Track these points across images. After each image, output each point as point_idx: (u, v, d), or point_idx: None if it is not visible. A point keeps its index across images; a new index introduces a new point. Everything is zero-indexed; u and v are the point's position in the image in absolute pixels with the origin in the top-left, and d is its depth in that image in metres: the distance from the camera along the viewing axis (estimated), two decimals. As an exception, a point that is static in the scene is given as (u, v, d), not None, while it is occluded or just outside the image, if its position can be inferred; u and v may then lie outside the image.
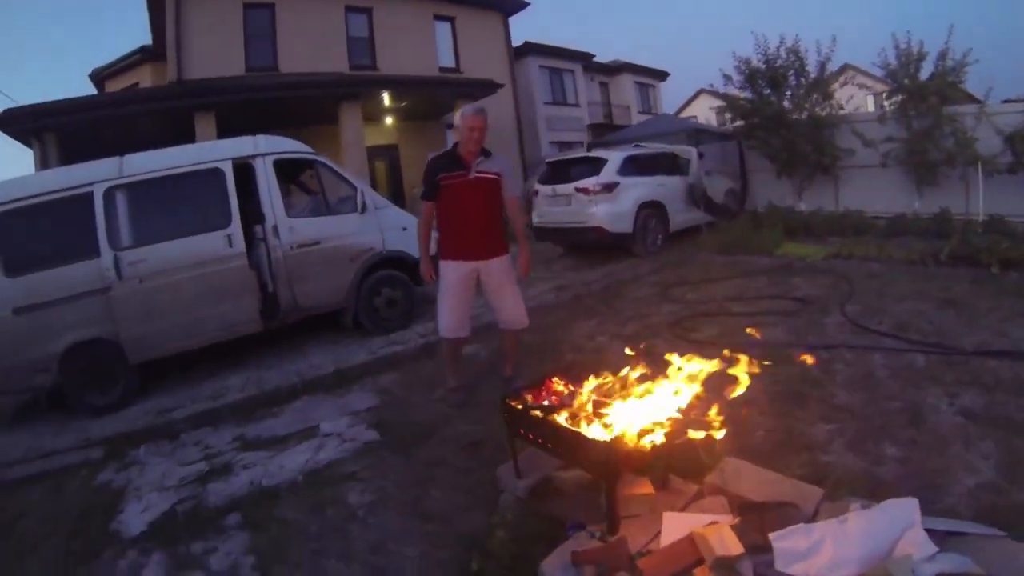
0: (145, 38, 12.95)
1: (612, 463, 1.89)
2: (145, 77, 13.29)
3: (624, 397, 2.07)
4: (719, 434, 2.00)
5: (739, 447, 2.59)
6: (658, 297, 5.81)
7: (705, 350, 3.95)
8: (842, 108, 9.22)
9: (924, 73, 8.22)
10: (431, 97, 11.65)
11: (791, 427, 2.84)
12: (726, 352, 2.32)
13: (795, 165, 9.36)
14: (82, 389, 4.58)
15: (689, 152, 9.24)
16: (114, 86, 13.87)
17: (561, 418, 2.07)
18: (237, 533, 2.61)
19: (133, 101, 9.48)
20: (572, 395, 2.18)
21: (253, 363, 5.26)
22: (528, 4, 15.95)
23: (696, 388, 2.14)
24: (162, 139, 6.03)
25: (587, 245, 8.43)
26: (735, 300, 5.35)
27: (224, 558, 2.44)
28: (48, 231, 4.60)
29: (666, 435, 1.95)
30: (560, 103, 18.78)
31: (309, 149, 5.76)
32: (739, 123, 10.04)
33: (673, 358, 2.24)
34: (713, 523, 1.80)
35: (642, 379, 2.16)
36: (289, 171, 5.91)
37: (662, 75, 25.05)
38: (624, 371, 2.23)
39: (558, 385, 2.31)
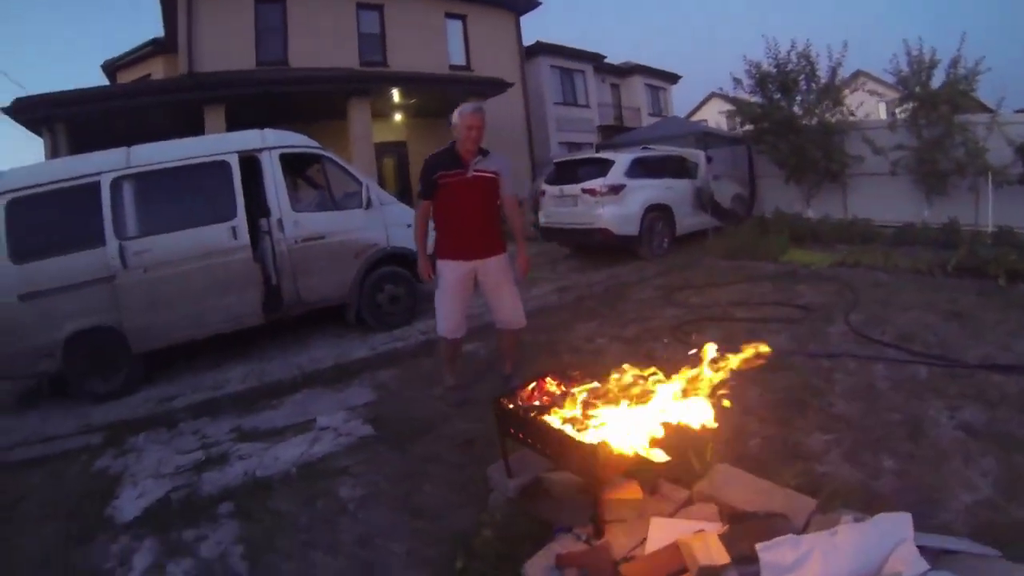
0: (157, 30, 13.03)
1: (598, 466, 1.88)
2: (157, 69, 13.37)
3: (616, 400, 2.06)
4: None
5: (734, 454, 2.58)
6: (661, 300, 5.79)
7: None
8: (853, 115, 9.13)
9: (936, 81, 8.13)
10: (441, 95, 11.65)
11: (788, 436, 2.82)
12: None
13: (804, 171, 9.28)
14: (85, 376, 4.63)
15: (697, 156, 9.20)
16: (126, 77, 13.96)
17: (550, 419, 2.06)
18: (228, 522, 2.63)
19: (143, 92, 9.55)
20: (564, 396, 2.18)
21: (256, 355, 5.29)
22: (540, 3, 15.92)
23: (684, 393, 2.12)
24: (172, 131, 6.09)
25: (593, 246, 8.42)
26: (739, 305, 5.32)
27: (214, 546, 2.46)
28: (55, 219, 4.64)
29: (654, 440, 1.93)
30: (570, 104, 18.75)
31: (316, 144, 5.78)
32: (748, 127, 9.97)
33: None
34: (700, 531, 1.78)
35: (634, 382, 2.15)
36: (295, 165, 5.94)
37: (674, 78, 24.95)
38: (616, 373, 2.22)
39: (551, 385, 2.30)
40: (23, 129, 8.72)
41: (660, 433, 1.98)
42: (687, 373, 2.18)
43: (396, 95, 10.85)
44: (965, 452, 2.51)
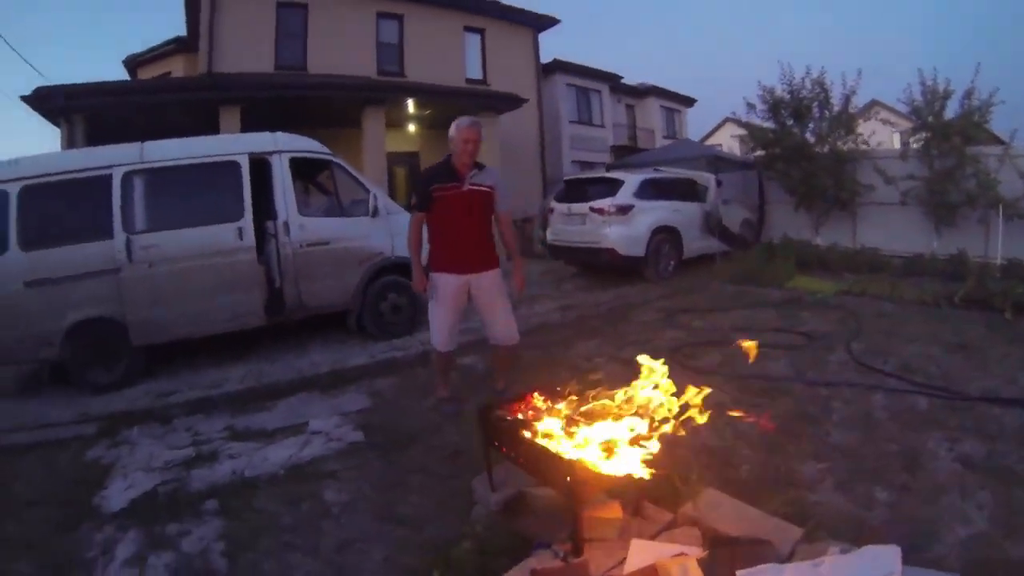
0: (180, 29, 13.28)
1: (576, 483, 1.86)
2: (177, 67, 13.58)
3: (600, 417, 2.04)
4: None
5: (723, 479, 2.55)
6: (663, 323, 5.77)
7: (700, 378, 3.95)
8: (866, 143, 9.12)
9: (950, 111, 8.12)
10: (456, 107, 11.75)
11: (780, 463, 2.78)
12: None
13: (813, 198, 9.27)
14: (85, 366, 4.68)
15: (707, 179, 9.21)
16: (147, 74, 14.19)
17: (531, 433, 2.05)
18: (213, 519, 2.63)
19: (162, 89, 9.73)
20: (549, 411, 2.16)
21: (256, 356, 5.33)
22: (559, 22, 16.09)
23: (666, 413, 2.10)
24: (188, 129, 6.16)
25: (599, 266, 8.42)
26: (741, 331, 5.27)
27: (196, 541, 2.46)
28: (65, 209, 4.72)
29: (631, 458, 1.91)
30: (585, 122, 18.85)
31: (326, 149, 5.85)
32: (760, 153, 9.98)
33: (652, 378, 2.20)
34: (680, 554, 1.75)
35: (621, 400, 2.13)
36: (305, 170, 6.00)
37: (689, 101, 25.05)
38: (600, 391, 2.20)
39: (538, 400, 2.29)
40: (41, 119, 8.87)
41: (639, 452, 1.96)
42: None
43: (411, 105, 10.96)
44: (962, 485, 2.47)
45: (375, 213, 5.54)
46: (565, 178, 10.15)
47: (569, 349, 5.02)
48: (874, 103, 13.80)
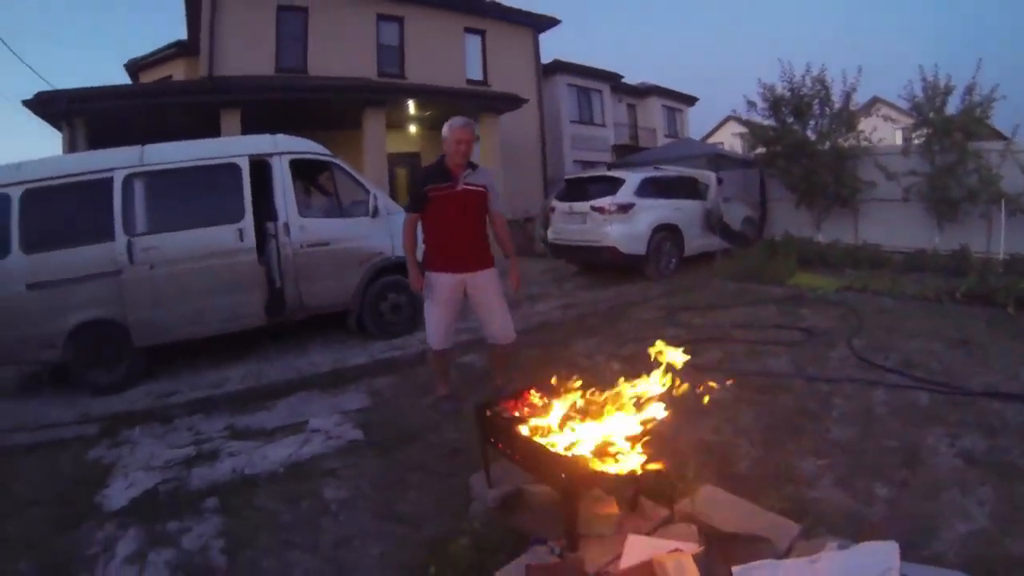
0: (181, 32, 13.35)
1: (571, 479, 1.86)
2: (178, 71, 13.63)
3: (596, 415, 2.04)
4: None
5: (722, 475, 2.56)
6: (664, 321, 5.77)
7: (700, 375, 3.94)
8: (868, 140, 9.09)
9: (951, 107, 8.09)
10: (456, 108, 11.79)
11: (780, 459, 2.78)
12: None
13: (814, 195, 9.24)
14: (87, 367, 4.70)
15: (708, 177, 9.20)
16: (148, 77, 14.23)
17: (527, 430, 2.05)
18: (212, 517, 2.64)
19: (162, 93, 9.77)
20: (545, 408, 2.16)
21: (257, 356, 5.35)
22: (559, 22, 16.11)
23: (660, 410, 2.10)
24: (189, 132, 6.19)
25: (600, 264, 8.42)
26: (741, 328, 5.28)
27: (196, 539, 2.47)
28: (67, 212, 4.74)
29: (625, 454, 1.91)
30: (586, 122, 18.85)
31: (326, 151, 5.87)
32: (761, 150, 9.96)
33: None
34: (676, 550, 1.75)
35: (615, 397, 2.13)
36: (305, 171, 6.02)
37: (691, 100, 25.02)
38: (598, 387, 2.20)
39: (534, 397, 2.29)
40: (44, 123, 8.92)
41: (636, 448, 1.95)
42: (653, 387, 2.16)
43: (411, 107, 10.99)
44: (963, 481, 2.45)
45: (375, 213, 5.56)
46: (566, 177, 10.15)
47: (568, 347, 5.03)
48: (876, 100, 13.76)
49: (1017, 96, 8.04)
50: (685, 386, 2.17)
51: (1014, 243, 7.35)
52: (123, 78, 14.96)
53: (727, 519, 2.01)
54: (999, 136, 8.57)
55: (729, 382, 2.64)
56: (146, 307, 4.78)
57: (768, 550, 1.82)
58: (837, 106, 9.13)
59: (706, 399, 2.27)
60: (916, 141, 8.44)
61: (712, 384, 2.45)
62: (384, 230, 5.65)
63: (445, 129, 3.36)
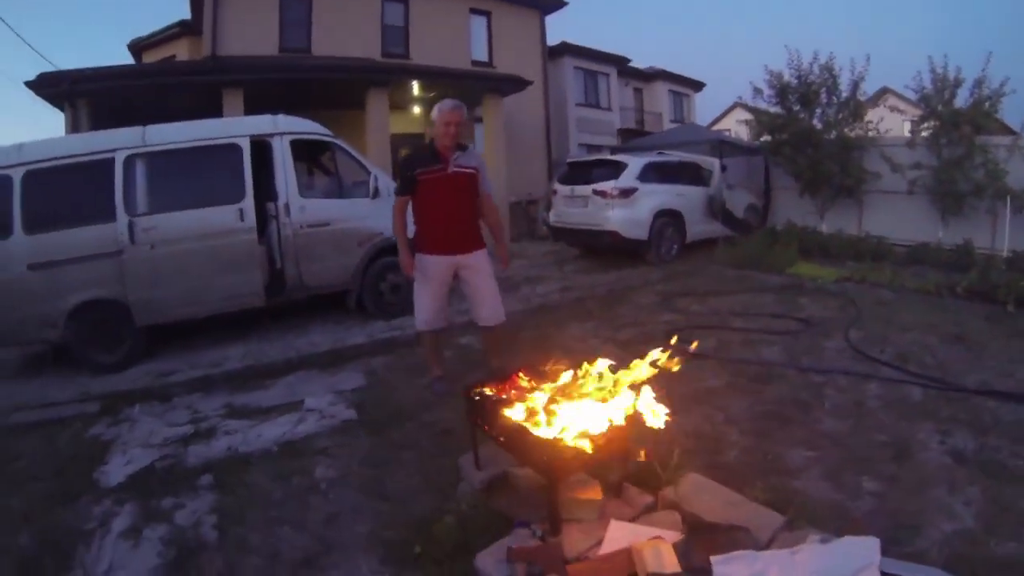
0: (185, 12, 13.20)
1: (552, 462, 1.89)
2: (182, 50, 13.53)
3: (581, 397, 2.06)
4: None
5: (709, 464, 2.57)
6: (661, 306, 5.78)
7: (694, 362, 3.96)
8: (876, 130, 8.97)
9: (960, 100, 7.97)
10: (461, 89, 11.69)
11: (768, 449, 2.78)
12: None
13: (819, 185, 9.16)
14: (88, 346, 4.75)
15: (712, 164, 9.14)
16: (151, 57, 14.15)
17: (512, 412, 2.07)
18: (206, 493, 2.70)
19: (165, 73, 9.73)
20: (532, 391, 2.19)
21: (256, 336, 5.40)
22: (566, 3, 15.87)
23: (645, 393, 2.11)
24: (192, 112, 6.17)
25: (601, 248, 8.43)
26: (738, 315, 5.28)
27: (189, 515, 2.53)
28: (68, 193, 4.76)
29: (608, 439, 1.93)
30: (592, 105, 18.66)
31: (327, 131, 5.85)
32: (766, 138, 9.85)
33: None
34: (656, 538, 1.77)
35: (601, 380, 2.15)
36: (306, 152, 6.02)
37: (698, 85, 24.71)
38: (585, 371, 2.22)
39: (522, 380, 2.31)
40: (47, 104, 8.89)
41: (619, 431, 1.97)
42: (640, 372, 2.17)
43: (415, 87, 10.90)
44: (951, 479, 2.45)
45: (375, 194, 5.56)
46: (568, 160, 10.09)
47: (565, 331, 5.05)
48: (885, 90, 13.54)
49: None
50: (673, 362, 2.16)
51: (1018, 240, 7.28)
52: (127, 58, 14.88)
53: (711, 508, 2.03)
54: (1008, 130, 8.45)
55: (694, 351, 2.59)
56: (147, 287, 4.81)
57: (749, 541, 1.83)
58: (844, 95, 9.00)
59: (676, 367, 2.25)
60: (924, 133, 8.34)
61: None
62: (384, 211, 5.59)
63: (435, 111, 3.36)
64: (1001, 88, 7.75)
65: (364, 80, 10.10)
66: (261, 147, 5.34)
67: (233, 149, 5.15)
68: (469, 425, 2.46)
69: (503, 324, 3.71)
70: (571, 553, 1.79)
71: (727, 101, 28.34)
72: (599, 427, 1.91)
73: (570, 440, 1.90)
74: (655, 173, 8.20)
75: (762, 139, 9.95)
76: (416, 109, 12.25)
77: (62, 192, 4.72)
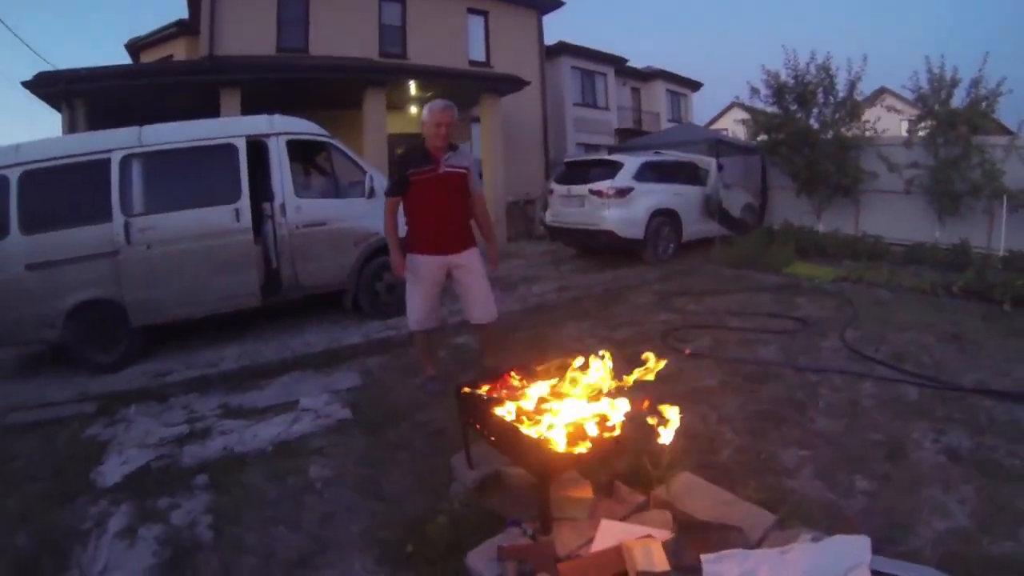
0: (183, 12, 13.18)
1: (542, 461, 1.89)
2: (180, 50, 13.49)
3: (572, 397, 2.06)
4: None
5: (703, 463, 2.57)
6: (657, 305, 5.80)
7: (690, 361, 3.97)
8: (874, 130, 8.98)
9: (957, 100, 7.98)
10: (458, 89, 11.68)
11: (762, 449, 2.79)
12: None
13: (815, 184, 9.18)
14: (85, 346, 4.75)
15: (708, 163, 9.15)
16: (149, 57, 14.10)
17: (503, 412, 2.08)
18: (202, 493, 2.71)
19: (162, 73, 9.70)
20: (522, 390, 2.19)
21: (252, 336, 5.40)
22: (563, 4, 15.85)
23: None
24: (190, 112, 6.17)
25: (597, 248, 8.44)
26: (734, 315, 5.30)
27: (185, 514, 2.54)
28: (65, 193, 4.76)
29: (597, 438, 1.94)
30: (590, 105, 18.66)
31: (323, 131, 5.86)
32: (763, 137, 9.87)
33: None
34: (647, 536, 1.77)
35: (591, 380, 2.15)
36: (302, 151, 6.02)
37: (695, 85, 24.71)
38: (577, 370, 2.22)
39: (513, 379, 2.32)
40: (44, 104, 8.87)
41: (609, 430, 1.98)
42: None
43: (413, 87, 10.89)
44: (945, 478, 2.44)
45: (371, 194, 5.56)
46: (565, 160, 10.10)
47: (560, 330, 5.06)
48: (883, 90, 13.56)
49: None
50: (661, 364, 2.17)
51: (1014, 239, 7.30)
52: (124, 58, 14.85)
53: (702, 507, 2.03)
54: (1004, 130, 8.47)
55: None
56: (143, 287, 4.81)
57: (740, 539, 1.84)
58: (841, 95, 9.02)
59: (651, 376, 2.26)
60: (921, 133, 8.35)
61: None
62: (380, 210, 5.63)
63: (425, 112, 3.37)
64: (998, 88, 7.77)
65: (361, 80, 10.08)
66: (257, 147, 5.34)
67: (229, 149, 5.15)
68: (460, 424, 2.46)
69: (496, 322, 3.72)
70: (562, 551, 1.80)
71: (725, 101, 28.33)
72: (589, 426, 1.91)
73: (560, 439, 1.90)
74: (651, 172, 8.21)
75: (759, 139, 9.96)
76: (413, 109, 12.23)
77: (59, 192, 4.72)
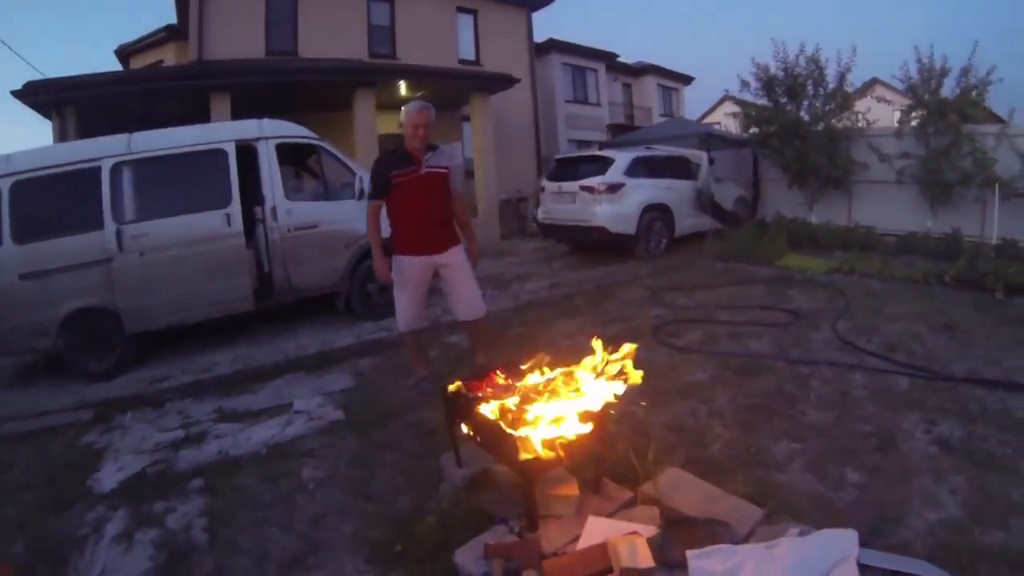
0: (172, 16, 13.13)
1: (525, 459, 1.91)
2: (169, 55, 13.46)
3: (556, 395, 2.08)
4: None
5: (692, 458, 2.58)
6: (649, 301, 5.81)
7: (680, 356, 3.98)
8: (866, 121, 8.99)
9: (947, 89, 8.00)
10: (447, 88, 11.68)
11: (752, 442, 2.77)
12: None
13: (806, 176, 9.19)
14: (80, 354, 4.77)
15: (700, 157, 9.17)
16: (139, 62, 14.07)
17: (487, 410, 2.09)
18: (197, 497, 2.73)
19: (152, 79, 9.67)
20: (508, 389, 2.21)
21: (246, 340, 5.42)
22: (553, 0, 15.88)
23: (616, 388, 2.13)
24: (180, 117, 6.18)
25: (589, 244, 8.45)
26: (726, 308, 5.31)
27: (180, 518, 2.56)
28: (57, 202, 4.78)
29: (581, 435, 1.95)
30: (581, 102, 18.67)
31: (312, 134, 5.87)
32: (754, 130, 9.88)
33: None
34: (632, 533, 1.78)
35: (572, 377, 2.17)
36: (292, 155, 6.02)
37: (687, 79, 24.71)
38: (560, 368, 2.24)
39: (499, 378, 2.33)
40: (34, 113, 8.84)
41: (590, 427, 1.99)
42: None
43: (403, 87, 10.88)
44: (936, 468, 2.43)
45: (361, 195, 5.56)
46: (556, 157, 10.11)
47: (551, 327, 5.08)
48: (875, 81, 13.55)
49: (1019, 78, 7.95)
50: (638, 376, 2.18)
51: (1007, 228, 7.30)
52: (114, 63, 14.80)
53: (690, 502, 2.03)
54: (996, 119, 8.48)
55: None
56: (137, 294, 4.83)
57: (726, 534, 1.84)
58: (831, 87, 9.02)
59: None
60: (913, 123, 8.36)
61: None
62: None
63: (402, 115, 3.38)
64: (988, 76, 7.78)
65: (351, 81, 10.08)
66: (247, 151, 5.35)
67: (219, 154, 5.17)
68: (448, 424, 2.48)
69: (485, 319, 3.74)
70: (548, 548, 1.81)
71: (717, 94, 28.31)
72: (572, 423, 1.93)
73: (543, 436, 1.92)
74: (643, 168, 8.22)
75: (750, 131, 9.97)
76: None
77: (50, 201, 4.74)
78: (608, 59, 19.71)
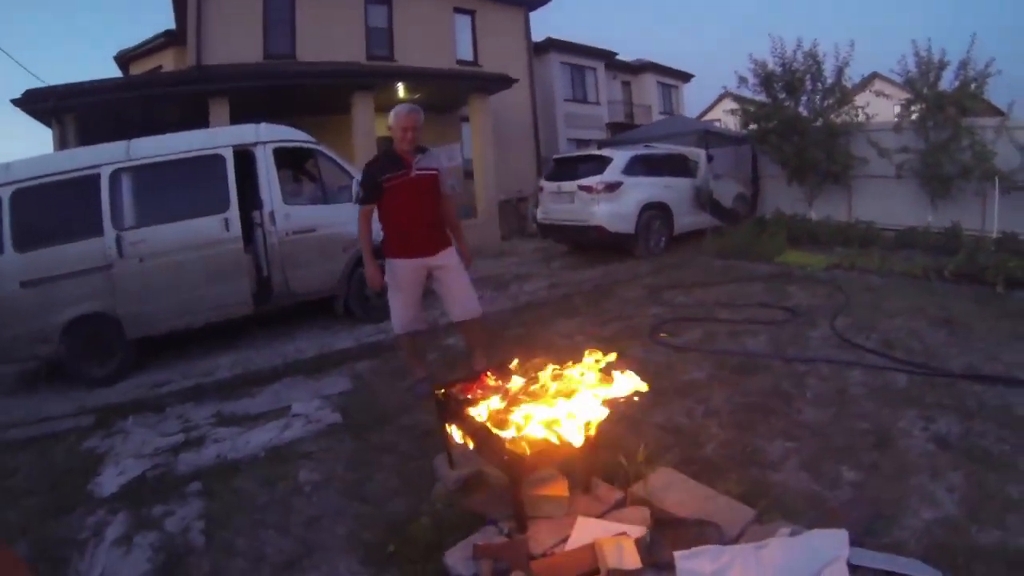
0: (171, 22, 13.18)
1: (512, 461, 1.92)
2: (168, 61, 13.52)
3: (545, 396, 2.08)
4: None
5: (686, 458, 2.57)
6: (647, 299, 5.81)
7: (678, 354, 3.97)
8: (866, 115, 8.94)
9: (945, 83, 7.96)
10: (446, 90, 11.70)
11: (747, 441, 2.76)
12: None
13: (805, 172, 9.16)
14: (81, 360, 4.81)
15: (698, 155, 9.15)
16: (138, 68, 14.14)
17: (476, 411, 2.10)
18: (195, 500, 2.76)
19: (150, 85, 9.73)
20: (498, 390, 2.21)
21: (245, 344, 5.46)
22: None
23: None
24: (180, 123, 6.22)
25: (588, 244, 8.45)
26: (724, 306, 5.30)
27: (179, 521, 2.59)
28: (57, 209, 4.82)
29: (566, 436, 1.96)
30: (580, 100, 18.66)
31: (310, 138, 5.89)
32: (752, 127, 9.86)
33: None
34: (621, 534, 1.78)
35: (562, 378, 2.18)
36: (290, 159, 6.05)
37: (686, 76, 24.66)
38: (550, 369, 2.25)
39: (490, 379, 2.35)
40: (34, 121, 8.91)
41: (581, 428, 2.00)
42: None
43: (401, 89, 10.90)
44: (933, 466, 2.41)
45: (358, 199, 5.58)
46: (554, 157, 10.12)
47: (550, 328, 5.09)
48: (875, 75, 13.49)
49: (1017, 71, 7.89)
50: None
51: (1007, 221, 7.25)
52: (114, 70, 14.89)
53: (680, 503, 2.02)
54: (996, 111, 8.43)
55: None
56: (137, 300, 4.87)
57: (716, 535, 1.83)
58: (829, 82, 8.99)
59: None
60: (912, 117, 8.32)
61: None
62: None
63: (391, 117, 3.38)
64: (986, 69, 7.73)
65: (349, 84, 10.10)
66: (245, 156, 5.37)
67: (217, 160, 5.20)
68: (440, 426, 2.49)
69: (481, 319, 3.75)
70: (537, 549, 1.82)
71: (717, 91, 28.26)
72: (560, 423, 1.94)
73: (530, 437, 1.93)
74: (641, 166, 8.22)
75: (749, 128, 9.95)
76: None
77: (51, 209, 4.78)
78: (607, 57, 19.69)
